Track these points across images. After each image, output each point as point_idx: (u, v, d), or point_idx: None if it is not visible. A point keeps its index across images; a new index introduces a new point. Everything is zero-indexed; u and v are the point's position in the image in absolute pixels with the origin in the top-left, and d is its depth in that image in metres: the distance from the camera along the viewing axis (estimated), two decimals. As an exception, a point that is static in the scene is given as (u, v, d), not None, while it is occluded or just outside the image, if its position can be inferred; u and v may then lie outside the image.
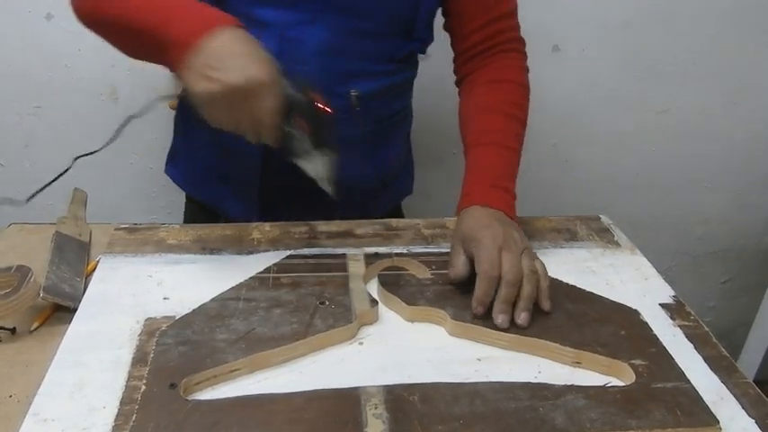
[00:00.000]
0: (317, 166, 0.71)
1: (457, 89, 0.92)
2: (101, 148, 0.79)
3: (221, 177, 0.95)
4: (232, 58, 0.62)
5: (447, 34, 0.92)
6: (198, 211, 1.02)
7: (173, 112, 1.31)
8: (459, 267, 0.71)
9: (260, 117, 0.64)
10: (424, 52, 0.90)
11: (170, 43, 0.64)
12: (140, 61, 0.74)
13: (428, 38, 0.88)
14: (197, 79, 0.62)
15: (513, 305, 0.67)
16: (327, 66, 0.80)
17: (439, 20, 0.90)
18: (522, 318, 0.66)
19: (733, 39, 1.39)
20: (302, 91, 0.67)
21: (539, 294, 0.68)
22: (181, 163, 1.01)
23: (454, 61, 0.92)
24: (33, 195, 0.82)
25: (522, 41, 0.90)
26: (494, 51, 0.87)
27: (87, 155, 0.80)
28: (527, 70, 0.89)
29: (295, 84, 0.67)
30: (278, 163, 0.86)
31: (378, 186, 0.97)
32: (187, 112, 0.96)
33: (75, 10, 0.74)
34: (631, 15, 1.34)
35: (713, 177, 1.56)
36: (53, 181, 0.83)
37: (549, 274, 0.75)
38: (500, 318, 0.66)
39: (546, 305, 0.68)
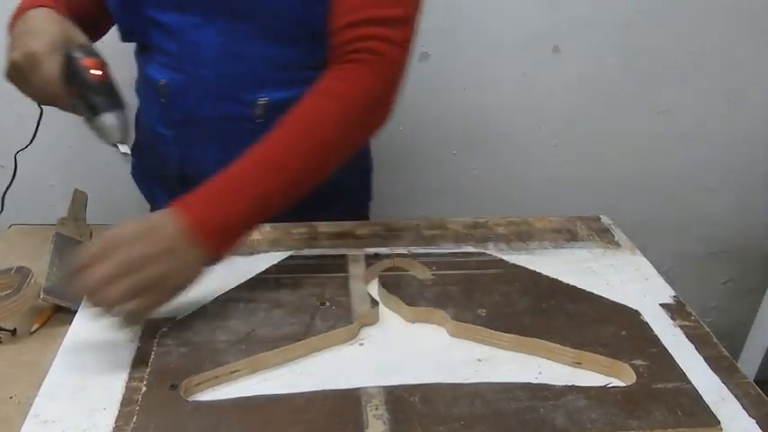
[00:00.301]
0: (101, 131, 0.69)
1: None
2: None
3: (152, 176, 0.96)
4: (17, 38, 0.70)
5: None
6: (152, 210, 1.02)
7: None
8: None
9: (42, 86, 0.69)
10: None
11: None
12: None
13: None
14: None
15: None
16: (229, 71, 0.79)
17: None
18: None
19: (734, 40, 1.38)
20: (74, 59, 0.68)
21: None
22: (134, 163, 1.02)
23: None
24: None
25: (382, 54, 0.70)
26: (340, 60, 0.72)
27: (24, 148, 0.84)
28: (367, 87, 0.71)
29: (68, 52, 0.69)
30: (193, 169, 0.86)
31: (309, 201, 0.91)
32: (138, 114, 0.97)
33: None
34: (632, 16, 1.34)
35: (714, 178, 1.56)
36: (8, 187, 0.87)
37: (550, 274, 0.76)
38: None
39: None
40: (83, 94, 0.68)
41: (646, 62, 1.39)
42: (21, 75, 0.69)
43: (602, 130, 1.46)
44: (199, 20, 0.77)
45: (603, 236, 0.87)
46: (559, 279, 0.75)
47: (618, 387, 0.60)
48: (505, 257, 0.79)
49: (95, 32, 0.88)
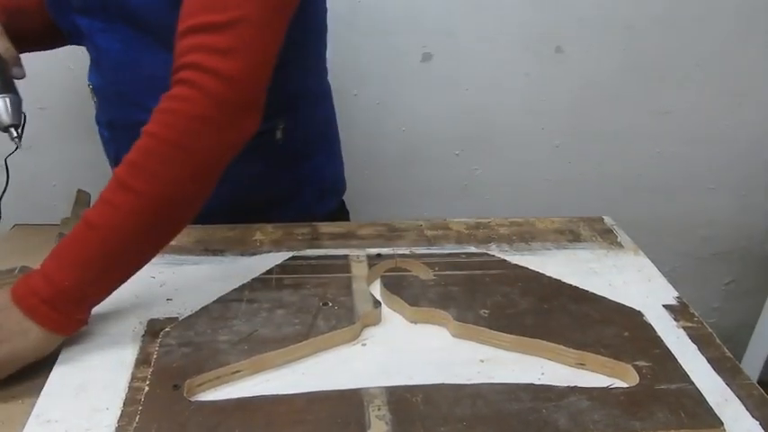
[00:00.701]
0: None
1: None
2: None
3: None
4: None
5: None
6: None
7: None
8: None
9: None
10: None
11: None
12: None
13: None
14: None
15: None
16: (134, 77, 0.78)
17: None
18: None
19: (737, 40, 1.38)
20: None
21: None
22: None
23: None
24: None
25: (207, 71, 0.58)
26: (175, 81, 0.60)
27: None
28: (191, 116, 0.58)
29: None
30: None
31: (258, 205, 0.88)
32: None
33: None
34: (635, 17, 1.33)
35: (717, 179, 1.56)
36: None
37: (552, 274, 0.76)
38: None
39: None
40: None
41: (648, 63, 1.39)
42: None
43: (605, 131, 1.46)
44: (102, 25, 0.77)
45: (606, 237, 0.87)
46: (562, 280, 0.75)
47: (620, 388, 0.60)
48: (508, 258, 0.79)
49: (49, 41, 0.90)
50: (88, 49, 0.83)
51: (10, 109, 0.70)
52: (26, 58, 1.27)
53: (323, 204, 0.98)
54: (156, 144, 0.58)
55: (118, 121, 0.84)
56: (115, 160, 0.89)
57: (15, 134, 0.70)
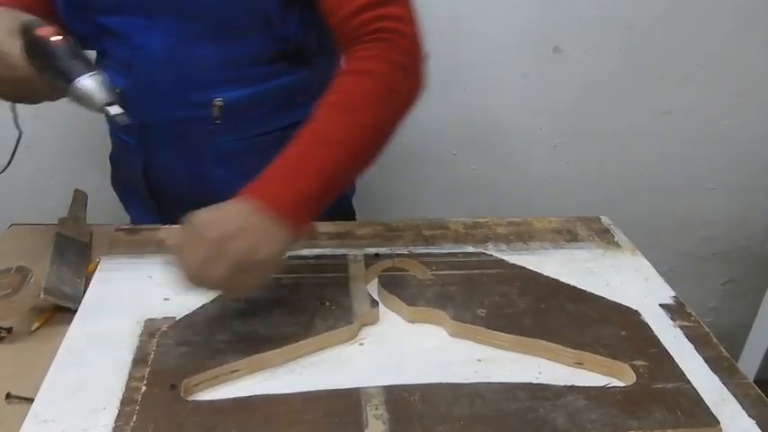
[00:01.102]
0: (83, 96, 0.66)
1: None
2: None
3: (120, 185, 0.96)
4: None
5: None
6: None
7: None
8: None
9: (11, 75, 0.64)
10: (310, 50, 0.82)
11: None
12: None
13: (294, 35, 0.79)
14: None
15: None
16: (176, 73, 0.77)
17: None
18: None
19: (737, 40, 1.38)
20: (33, 32, 0.65)
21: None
22: (112, 176, 1.00)
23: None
24: None
25: (398, 33, 0.72)
26: (358, 41, 0.72)
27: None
28: (394, 62, 0.71)
29: (23, 28, 0.65)
30: (157, 175, 0.87)
31: None
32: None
33: None
34: (635, 17, 1.34)
35: (715, 179, 1.56)
36: None
37: (550, 274, 0.76)
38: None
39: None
40: (51, 64, 0.65)
41: (648, 63, 1.39)
42: None
43: (603, 131, 1.46)
44: (143, 22, 0.75)
45: (604, 236, 0.87)
46: (559, 279, 0.75)
47: (618, 387, 0.60)
48: (505, 258, 0.79)
49: None
50: (112, 52, 0.79)
51: (99, 86, 0.65)
52: (23, 57, 1.27)
53: (345, 198, 1.00)
54: (367, 80, 0.69)
55: (152, 122, 0.81)
56: (144, 167, 0.86)
57: (116, 111, 0.66)
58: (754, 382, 0.62)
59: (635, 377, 0.61)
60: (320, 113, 0.67)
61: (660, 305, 0.73)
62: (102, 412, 0.55)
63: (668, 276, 0.80)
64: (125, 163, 0.91)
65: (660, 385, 0.60)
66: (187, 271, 0.58)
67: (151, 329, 0.64)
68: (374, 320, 0.68)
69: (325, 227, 0.85)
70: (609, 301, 0.72)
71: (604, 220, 0.92)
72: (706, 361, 0.65)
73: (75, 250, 0.79)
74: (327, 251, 0.79)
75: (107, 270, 0.74)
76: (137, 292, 0.70)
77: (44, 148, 1.35)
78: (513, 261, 0.79)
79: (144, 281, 0.72)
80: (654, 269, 0.80)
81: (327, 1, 0.73)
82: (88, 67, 0.65)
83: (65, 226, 0.83)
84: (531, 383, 0.60)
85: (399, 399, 0.57)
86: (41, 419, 0.54)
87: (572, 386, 0.60)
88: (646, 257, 0.83)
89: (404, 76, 0.72)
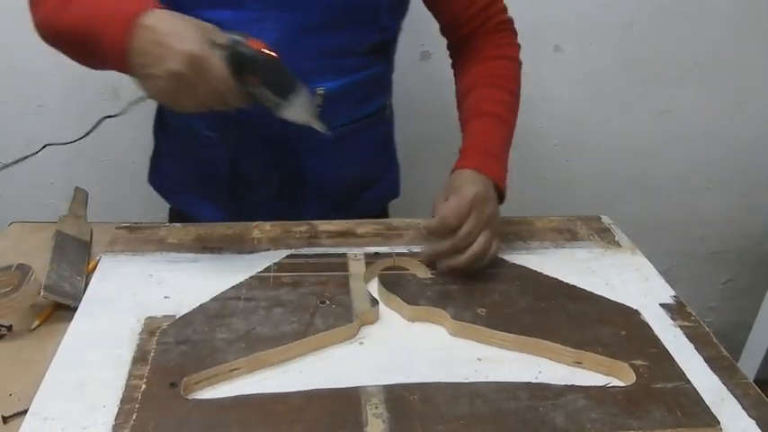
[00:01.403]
0: (292, 113, 0.69)
1: (453, 73, 0.93)
2: (73, 141, 0.78)
3: (193, 184, 0.94)
4: (159, 48, 0.62)
5: (438, 36, 0.92)
6: (178, 220, 1.00)
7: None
8: (428, 223, 0.75)
9: (215, 89, 0.64)
10: (392, 43, 0.89)
11: (107, 55, 0.65)
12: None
13: (392, 26, 0.86)
14: (141, 81, 0.64)
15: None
16: (289, 64, 0.76)
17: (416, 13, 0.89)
18: (441, 267, 0.73)
19: (736, 40, 1.38)
20: (241, 45, 0.65)
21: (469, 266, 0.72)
22: (160, 171, 1.00)
23: (448, 48, 0.93)
24: None
25: (511, 21, 0.91)
26: (484, 31, 0.88)
27: (60, 144, 0.80)
28: (519, 47, 0.91)
29: (232, 41, 0.65)
30: (247, 168, 0.87)
31: (352, 190, 0.95)
32: (161, 120, 0.95)
33: (38, 30, 0.75)
34: (634, 16, 1.34)
35: (715, 178, 1.56)
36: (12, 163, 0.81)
37: (550, 273, 0.76)
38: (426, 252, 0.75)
39: (465, 266, 0.72)
40: (266, 79, 0.65)
41: (647, 62, 1.39)
42: (184, 84, 0.62)
43: (603, 130, 1.46)
44: (254, 15, 0.76)
45: (604, 236, 0.87)
46: (560, 279, 0.75)
47: (618, 387, 0.60)
48: (506, 257, 0.79)
49: None
50: None
51: (312, 99, 0.69)
52: (25, 55, 1.27)
53: (392, 193, 1.05)
54: (516, 64, 0.90)
55: (253, 116, 0.77)
56: (230, 160, 0.87)
57: (321, 124, 0.70)
58: (755, 381, 0.62)
59: (635, 377, 0.61)
60: (495, 94, 0.85)
61: (660, 305, 0.73)
62: (102, 410, 0.55)
63: (668, 276, 0.80)
64: (202, 158, 0.89)
65: (660, 385, 0.60)
66: (461, 240, 0.72)
67: (151, 327, 0.64)
68: (374, 319, 0.68)
69: (325, 226, 0.85)
70: (609, 300, 0.72)
71: (604, 219, 0.92)
72: (706, 361, 0.65)
73: (76, 248, 0.79)
74: (328, 250, 0.79)
75: (107, 268, 0.74)
76: (137, 290, 0.70)
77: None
78: (513, 260, 0.79)
79: (144, 279, 0.72)
80: (654, 269, 0.80)
81: (451, 5, 0.87)
82: (297, 81, 0.67)
83: (65, 224, 0.83)
84: (531, 383, 0.60)
85: (399, 398, 0.57)
86: (41, 417, 0.54)
87: (572, 386, 0.60)
88: (646, 257, 0.83)
89: (519, 56, 0.91)
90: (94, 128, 0.77)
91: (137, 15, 0.63)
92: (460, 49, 0.91)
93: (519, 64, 0.90)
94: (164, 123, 0.95)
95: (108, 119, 0.74)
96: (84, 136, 0.76)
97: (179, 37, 0.62)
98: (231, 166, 0.87)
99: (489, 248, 0.73)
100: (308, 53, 0.79)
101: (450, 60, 0.94)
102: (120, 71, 0.67)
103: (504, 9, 0.90)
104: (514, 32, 0.92)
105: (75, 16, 0.67)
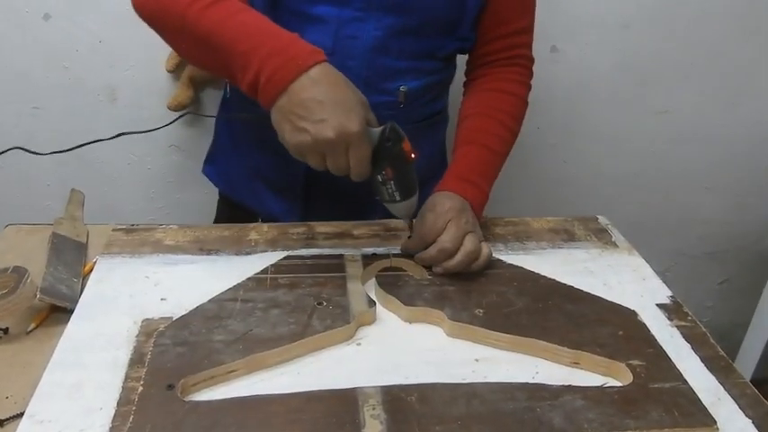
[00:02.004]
0: (399, 210, 0.73)
1: (463, 89, 0.94)
2: (148, 131, 0.78)
3: (263, 178, 0.95)
4: (322, 108, 0.62)
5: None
6: (232, 212, 1.02)
7: (172, 113, 1.31)
8: (406, 241, 0.77)
9: (349, 166, 0.66)
10: (465, 52, 0.92)
11: (256, 79, 0.65)
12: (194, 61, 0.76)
13: (470, 37, 0.89)
14: (287, 127, 0.64)
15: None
16: (377, 62, 0.82)
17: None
18: (437, 270, 0.74)
19: (732, 40, 1.39)
20: (390, 137, 0.66)
21: (472, 265, 0.74)
22: (220, 162, 1.02)
23: (467, 63, 0.94)
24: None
25: (531, 59, 0.92)
26: (506, 62, 0.90)
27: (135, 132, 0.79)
28: (530, 87, 0.92)
29: (383, 129, 0.66)
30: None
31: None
32: (232, 113, 0.95)
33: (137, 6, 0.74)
34: (630, 16, 1.34)
35: (712, 178, 1.56)
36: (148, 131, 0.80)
37: (547, 274, 0.76)
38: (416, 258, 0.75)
39: (470, 268, 0.73)
40: (400, 177, 0.68)
41: (644, 62, 1.39)
42: (326, 150, 0.64)
43: (600, 131, 1.46)
44: (359, 13, 0.79)
45: (601, 236, 0.88)
46: (557, 279, 0.75)
47: (615, 387, 0.61)
48: (503, 257, 0.79)
49: None
50: (314, 40, 0.70)
51: (414, 206, 0.73)
52: (21, 56, 1.27)
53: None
54: (521, 103, 0.91)
55: None
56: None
57: (408, 224, 0.77)
58: (751, 381, 0.62)
59: (632, 377, 0.61)
60: (491, 127, 0.85)
61: (657, 305, 0.73)
62: (99, 412, 0.55)
63: (665, 276, 0.80)
64: (277, 158, 0.87)
65: (657, 385, 0.60)
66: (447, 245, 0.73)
67: (148, 329, 0.64)
68: (371, 320, 0.68)
69: (322, 227, 0.85)
70: (606, 301, 0.72)
71: (601, 219, 0.92)
72: (703, 361, 0.65)
73: (72, 250, 0.79)
74: (325, 251, 0.79)
75: (104, 270, 0.74)
76: (134, 292, 0.70)
77: (41, 148, 1.35)
78: (510, 261, 0.79)
79: (141, 281, 0.72)
80: (651, 269, 0.81)
81: (495, 15, 0.86)
82: (416, 186, 0.71)
83: (61, 226, 0.82)
84: (528, 383, 0.60)
85: (397, 399, 0.57)
86: (38, 420, 0.54)
87: (569, 386, 0.60)
88: (643, 257, 0.83)
89: (527, 96, 0.92)
90: (175, 120, 0.82)
91: (309, 64, 0.63)
92: (473, 73, 0.93)
93: (524, 103, 0.91)
94: (238, 116, 0.94)
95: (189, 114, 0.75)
96: (163, 127, 0.78)
97: (345, 108, 0.63)
98: (307, 167, 0.86)
99: (480, 248, 0.74)
100: (400, 54, 0.83)
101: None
102: (249, 95, 0.67)
103: (529, 46, 0.91)
104: (530, 71, 0.92)
105: (227, 26, 0.66)
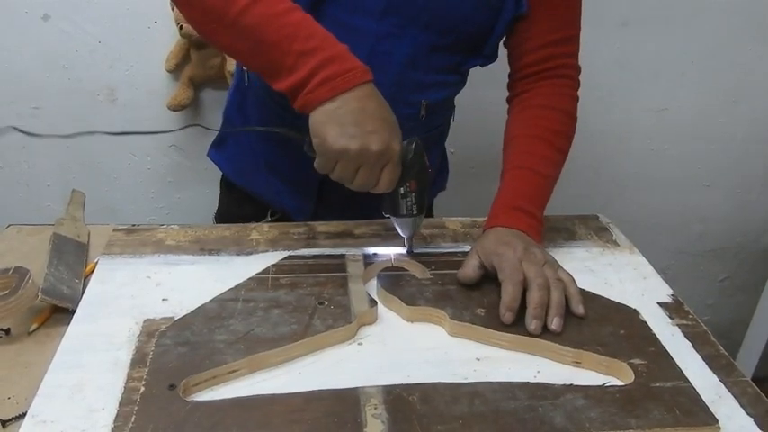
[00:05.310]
0: (405, 226, 0.75)
1: (507, 106, 0.91)
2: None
3: (277, 170, 0.94)
4: (373, 122, 0.65)
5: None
6: (236, 201, 1.01)
7: (172, 113, 1.31)
8: (469, 269, 0.72)
9: (380, 181, 0.67)
10: (485, 65, 0.90)
11: (307, 80, 0.65)
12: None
13: (494, 55, 0.88)
14: (333, 131, 0.64)
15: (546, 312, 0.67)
16: (406, 77, 0.82)
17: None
18: (555, 323, 0.66)
19: (731, 38, 1.39)
20: (416, 154, 0.69)
21: (570, 300, 0.69)
22: (230, 150, 1.00)
23: (509, 77, 0.90)
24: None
25: (577, 69, 0.88)
26: (548, 75, 0.85)
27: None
28: (577, 99, 0.88)
29: (410, 143, 0.69)
30: None
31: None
32: (248, 102, 0.94)
33: None
34: (630, 14, 1.34)
35: (712, 176, 1.56)
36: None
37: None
38: (533, 324, 0.65)
39: (579, 309, 0.68)
40: (421, 190, 0.70)
41: (643, 60, 1.39)
42: (362, 161, 0.65)
43: (599, 129, 1.46)
44: (396, 29, 0.79)
45: (602, 235, 0.88)
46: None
47: (616, 386, 0.61)
48: (504, 256, 0.79)
49: None
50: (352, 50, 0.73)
51: (415, 226, 0.75)
52: (21, 56, 1.27)
53: (442, 186, 1.08)
54: (571, 120, 0.86)
55: None
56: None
57: (409, 242, 0.78)
58: (752, 379, 0.62)
59: (633, 376, 0.61)
60: (540, 150, 0.81)
61: (658, 303, 0.73)
62: (101, 413, 0.55)
63: (666, 274, 0.80)
64: (292, 151, 0.85)
65: (659, 384, 0.60)
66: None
67: (150, 330, 0.64)
68: (373, 320, 0.68)
69: (323, 227, 0.85)
70: (607, 299, 0.72)
71: (602, 218, 0.92)
72: (704, 359, 0.65)
73: (73, 251, 0.79)
74: (326, 251, 0.79)
75: (105, 270, 0.74)
76: (135, 293, 0.70)
77: (41, 149, 1.35)
78: (511, 260, 0.78)
79: (142, 281, 0.72)
80: (651, 267, 0.81)
81: (534, 26, 0.83)
82: (427, 202, 0.73)
83: (62, 226, 0.82)
84: (529, 382, 0.60)
85: (398, 398, 0.57)
86: (40, 420, 0.54)
87: (571, 385, 0.60)
88: (643, 255, 0.83)
89: (576, 110, 0.87)
90: (182, 128, 0.84)
91: (366, 79, 0.66)
92: (517, 86, 0.88)
93: (572, 119, 0.86)
94: (250, 105, 0.93)
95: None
96: (170, 132, 0.78)
97: (391, 127, 0.66)
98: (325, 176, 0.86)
99: (562, 279, 0.70)
100: (428, 69, 0.83)
101: (472, 79, 0.95)
102: (284, 92, 0.67)
103: (575, 54, 0.87)
104: (577, 82, 0.88)
105: (280, 22, 0.66)
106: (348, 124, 0.64)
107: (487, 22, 0.82)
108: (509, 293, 0.67)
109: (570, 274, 0.71)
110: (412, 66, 0.82)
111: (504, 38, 0.87)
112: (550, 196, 0.82)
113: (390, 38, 0.79)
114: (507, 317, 0.66)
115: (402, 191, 0.71)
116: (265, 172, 0.95)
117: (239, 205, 1.01)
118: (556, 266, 0.71)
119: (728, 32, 1.38)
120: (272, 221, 0.94)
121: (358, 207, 0.88)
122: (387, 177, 0.67)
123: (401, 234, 0.77)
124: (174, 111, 1.30)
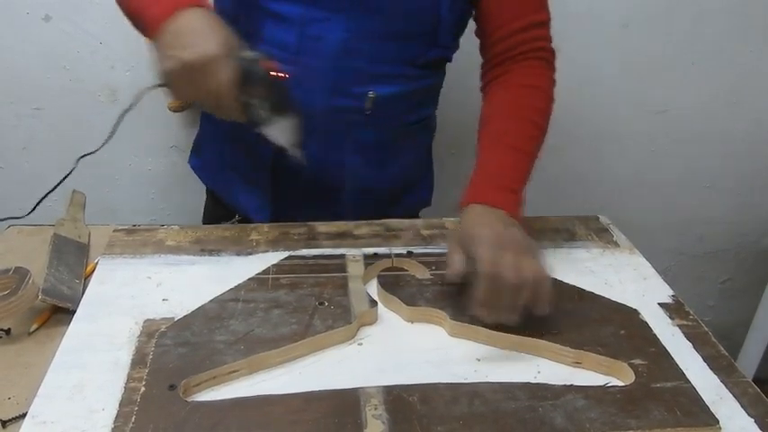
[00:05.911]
0: (279, 132, 0.72)
1: (481, 95, 0.90)
2: (100, 147, 0.80)
3: (236, 169, 0.95)
4: (188, 36, 0.66)
5: (471, 41, 0.92)
6: (214, 206, 1.02)
7: (172, 114, 1.31)
8: (455, 265, 0.67)
9: (217, 90, 0.67)
10: (449, 60, 0.90)
11: (147, 25, 0.70)
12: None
13: (452, 45, 0.87)
14: (160, 58, 0.67)
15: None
16: (346, 65, 0.81)
17: (470, 27, 0.89)
18: (510, 320, 0.64)
19: (732, 38, 1.39)
20: (255, 61, 0.68)
21: (536, 299, 0.64)
22: (203, 154, 1.01)
23: (481, 67, 0.90)
24: (36, 206, 0.82)
25: (552, 52, 0.88)
26: (521, 58, 0.85)
27: (88, 155, 0.81)
28: (553, 81, 0.87)
29: (248, 55, 0.68)
30: (290, 159, 0.87)
31: (391, 194, 0.97)
32: None
33: None
34: (631, 15, 1.34)
35: (712, 177, 1.56)
36: (57, 185, 0.83)
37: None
38: (508, 321, 0.64)
39: (541, 311, 0.65)
40: (266, 96, 0.69)
41: (644, 61, 1.39)
42: (189, 77, 0.66)
43: (600, 130, 1.46)
44: (326, 14, 0.78)
45: (602, 236, 0.87)
46: (558, 279, 0.75)
47: (617, 387, 0.60)
48: (504, 257, 0.79)
49: None
50: (273, 37, 0.80)
51: (298, 127, 0.72)
52: (22, 57, 1.27)
53: (425, 201, 1.06)
54: (547, 98, 0.86)
55: (306, 109, 0.76)
56: (275, 152, 0.83)
57: (300, 153, 0.74)
58: (753, 380, 0.62)
59: (634, 376, 0.61)
60: (514, 125, 0.80)
61: (659, 304, 0.73)
62: (101, 413, 0.55)
63: (666, 275, 0.80)
64: (249, 146, 0.89)
65: (659, 384, 0.60)
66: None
67: (150, 330, 0.64)
68: (373, 320, 0.68)
69: (323, 227, 0.85)
70: (608, 300, 0.72)
71: (603, 219, 0.92)
72: (705, 360, 0.65)
73: (74, 251, 0.79)
74: (326, 251, 0.79)
75: (105, 271, 0.74)
76: (135, 293, 0.70)
77: (42, 149, 1.35)
78: (511, 260, 0.78)
79: (143, 281, 0.72)
80: (652, 268, 0.81)
81: (501, 12, 0.83)
82: (294, 108, 0.70)
83: (63, 227, 0.82)
84: (530, 383, 0.60)
85: (398, 399, 0.57)
86: (40, 420, 0.54)
87: (571, 385, 0.60)
88: (644, 256, 0.83)
89: (553, 91, 0.87)
90: (117, 125, 0.82)
91: (187, 4, 0.68)
92: (491, 72, 0.87)
93: (548, 95, 0.85)
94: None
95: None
96: (108, 139, 0.80)
97: (205, 35, 0.66)
98: (275, 156, 0.86)
99: (539, 274, 0.65)
100: (374, 59, 0.81)
101: (473, 72, 0.94)
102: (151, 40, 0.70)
103: (549, 38, 0.87)
104: (552, 65, 0.87)
105: None
106: (168, 47, 0.67)
107: (429, 7, 0.80)
108: (482, 290, 0.64)
109: (548, 265, 0.67)
110: (350, 53, 0.80)
111: (473, 28, 0.87)
112: (530, 174, 0.80)
113: (319, 22, 0.78)
114: (481, 312, 0.64)
115: (250, 101, 0.69)
116: (229, 172, 0.96)
117: (215, 208, 1.02)
118: (536, 255, 0.67)
119: (729, 33, 1.38)
120: (238, 222, 0.94)
121: (315, 207, 0.88)
122: (219, 84, 0.66)
123: (277, 144, 0.74)
124: (175, 112, 1.30)
